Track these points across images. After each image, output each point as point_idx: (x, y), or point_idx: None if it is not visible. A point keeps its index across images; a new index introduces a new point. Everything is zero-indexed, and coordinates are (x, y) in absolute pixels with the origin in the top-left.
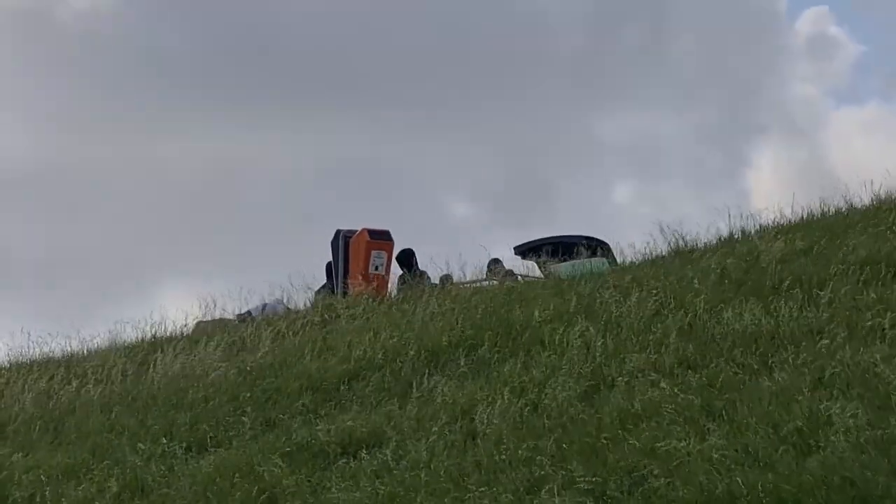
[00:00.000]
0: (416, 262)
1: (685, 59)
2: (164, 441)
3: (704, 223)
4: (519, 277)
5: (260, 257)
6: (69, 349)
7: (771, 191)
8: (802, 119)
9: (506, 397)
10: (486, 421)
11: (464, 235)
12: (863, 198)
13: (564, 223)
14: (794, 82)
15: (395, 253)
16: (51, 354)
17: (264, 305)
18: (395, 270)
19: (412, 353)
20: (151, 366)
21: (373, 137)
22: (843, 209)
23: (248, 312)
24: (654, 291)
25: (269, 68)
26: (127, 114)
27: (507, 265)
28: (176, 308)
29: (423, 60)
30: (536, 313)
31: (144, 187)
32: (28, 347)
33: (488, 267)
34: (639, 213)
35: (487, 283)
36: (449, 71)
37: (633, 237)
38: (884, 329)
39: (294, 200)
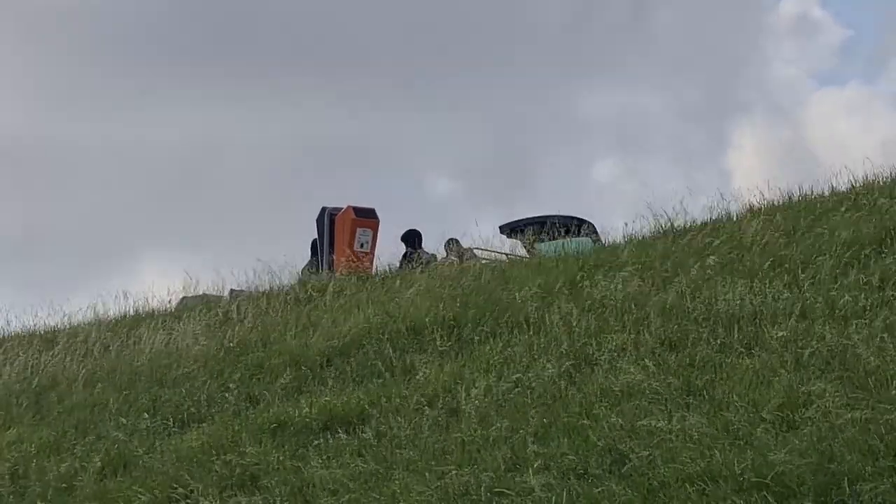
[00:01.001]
0: (421, 244)
1: (669, 36)
2: (147, 416)
3: (688, 202)
4: (478, 254)
5: (242, 234)
6: (51, 323)
7: (752, 169)
8: (785, 99)
9: (489, 376)
10: (468, 399)
11: (445, 212)
12: (846, 178)
13: (547, 200)
14: (778, 62)
15: (380, 230)
16: (33, 328)
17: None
18: (380, 248)
19: (396, 330)
20: (135, 341)
21: (353, 113)
22: (825, 190)
23: (242, 291)
24: (638, 271)
25: (248, 44)
26: (106, 90)
27: (467, 243)
28: (159, 283)
29: (403, 34)
30: (520, 292)
31: (125, 163)
32: (9, 321)
33: (445, 247)
34: (621, 190)
35: (472, 261)
36: (430, 45)
37: (615, 214)
38: (864, 310)
39: (274, 176)
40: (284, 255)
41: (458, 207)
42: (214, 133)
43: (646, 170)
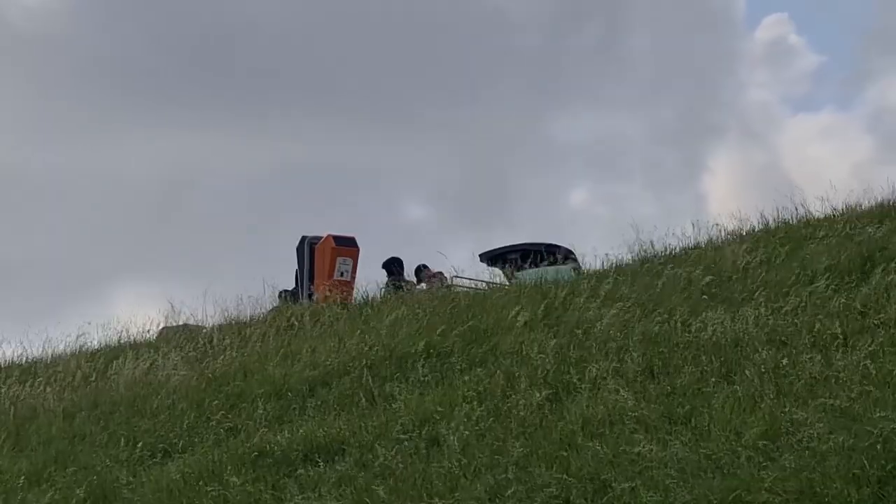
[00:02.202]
0: (403, 271)
1: (643, 61)
2: (128, 447)
3: (664, 227)
4: (450, 279)
5: (221, 263)
6: (29, 354)
7: (727, 194)
8: (759, 124)
9: (470, 404)
10: (450, 428)
11: (421, 238)
12: (823, 205)
13: (521, 225)
14: (752, 88)
15: (359, 258)
16: (10, 359)
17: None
18: (360, 276)
19: (376, 359)
20: (115, 371)
21: (329, 140)
22: (803, 217)
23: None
24: (620, 299)
25: (226, 72)
26: (83, 116)
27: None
28: (138, 313)
29: (379, 62)
30: (501, 320)
31: (103, 191)
32: None
33: (415, 273)
34: (596, 215)
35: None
36: (406, 71)
37: (591, 239)
38: (846, 337)
39: (251, 204)
40: (264, 283)
41: (432, 233)
42: (191, 161)
43: (620, 193)
